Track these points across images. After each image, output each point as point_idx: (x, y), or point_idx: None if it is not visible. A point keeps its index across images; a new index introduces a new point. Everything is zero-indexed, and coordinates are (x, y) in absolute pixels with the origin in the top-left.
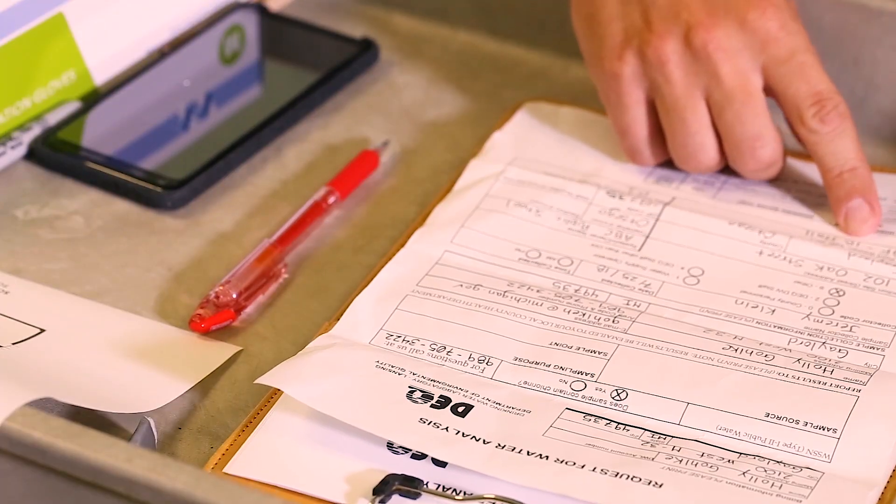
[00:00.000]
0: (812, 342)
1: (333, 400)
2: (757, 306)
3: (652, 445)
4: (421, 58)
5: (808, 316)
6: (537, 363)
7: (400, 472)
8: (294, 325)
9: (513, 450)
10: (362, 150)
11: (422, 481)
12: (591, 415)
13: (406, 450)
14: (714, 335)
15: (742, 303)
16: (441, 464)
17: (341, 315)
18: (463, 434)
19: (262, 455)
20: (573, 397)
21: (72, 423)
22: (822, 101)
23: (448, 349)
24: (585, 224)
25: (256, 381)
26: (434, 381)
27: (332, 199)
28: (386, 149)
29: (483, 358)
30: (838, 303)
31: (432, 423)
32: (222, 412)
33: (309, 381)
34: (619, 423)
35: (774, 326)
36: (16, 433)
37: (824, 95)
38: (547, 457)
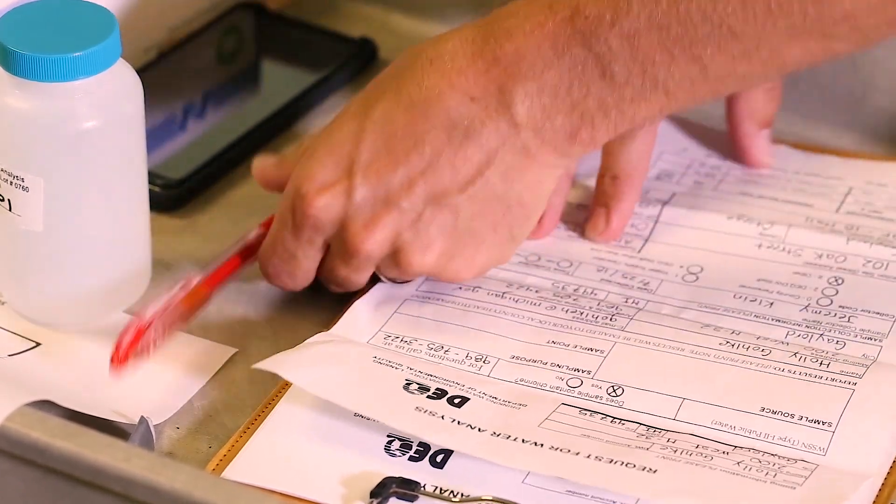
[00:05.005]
0: (810, 334)
1: (331, 386)
2: (755, 300)
3: (647, 437)
4: None
5: (806, 307)
6: (534, 361)
7: (397, 475)
8: (293, 325)
9: (508, 437)
10: None
11: (419, 484)
12: (587, 410)
13: (403, 452)
14: (711, 331)
15: (740, 297)
16: (439, 466)
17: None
18: (459, 422)
19: (259, 459)
20: (569, 394)
21: (70, 423)
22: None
23: (446, 349)
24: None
25: (254, 366)
26: (431, 375)
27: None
28: None
29: (480, 356)
30: (837, 292)
31: (428, 412)
32: (220, 412)
33: (307, 367)
34: (614, 418)
35: (772, 319)
36: (14, 433)
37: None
38: (542, 444)
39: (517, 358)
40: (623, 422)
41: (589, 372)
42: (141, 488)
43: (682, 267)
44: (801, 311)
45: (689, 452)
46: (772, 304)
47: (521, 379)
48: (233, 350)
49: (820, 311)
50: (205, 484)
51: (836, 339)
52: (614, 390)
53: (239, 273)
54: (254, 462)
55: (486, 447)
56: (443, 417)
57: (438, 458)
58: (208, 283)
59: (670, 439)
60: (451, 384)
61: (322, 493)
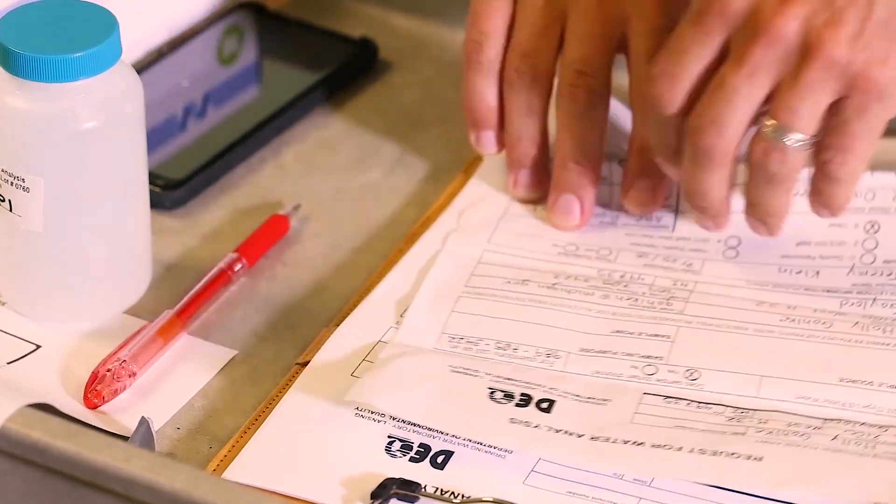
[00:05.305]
0: (863, 301)
1: (423, 410)
2: (801, 271)
3: (738, 420)
4: (419, 58)
5: (851, 269)
6: (604, 352)
7: (398, 476)
8: (293, 325)
9: (607, 440)
10: (271, 215)
11: (420, 485)
12: (671, 397)
13: (404, 453)
14: (767, 307)
15: (785, 270)
16: (439, 467)
17: (342, 318)
18: (555, 430)
19: (260, 460)
20: (648, 382)
21: (70, 423)
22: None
23: (513, 346)
24: (615, 214)
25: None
26: (510, 379)
27: (238, 267)
28: (296, 213)
29: (550, 352)
30: (876, 244)
31: (523, 423)
32: (221, 412)
33: (395, 393)
34: (699, 403)
35: (823, 290)
36: (14, 433)
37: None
38: (643, 443)
39: (586, 350)
40: (709, 405)
41: (661, 358)
42: (141, 488)
43: (719, 242)
44: (847, 274)
45: (784, 433)
46: (818, 272)
47: (597, 371)
48: (233, 352)
49: (866, 272)
50: (205, 484)
51: (890, 303)
52: (691, 374)
53: (213, 301)
54: (254, 462)
55: (591, 455)
56: (538, 427)
57: (439, 459)
58: (182, 314)
59: (761, 419)
60: (533, 387)
61: (323, 493)
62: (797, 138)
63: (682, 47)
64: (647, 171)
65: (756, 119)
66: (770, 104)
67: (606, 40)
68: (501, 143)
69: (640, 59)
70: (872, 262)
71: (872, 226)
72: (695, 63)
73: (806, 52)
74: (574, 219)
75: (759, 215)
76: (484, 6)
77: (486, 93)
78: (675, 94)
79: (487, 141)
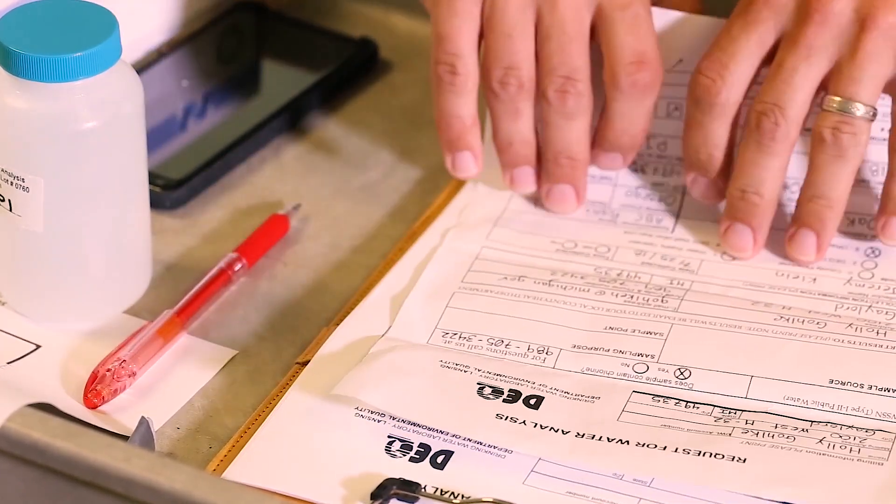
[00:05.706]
0: (858, 307)
1: (408, 403)
2: (798, 276)
3: (725, 421)
4: (419, 58)
5: (849, 281)
6: (596, 349)
7: (398, 476)
8: (293, 325)
9: (592, 437)
10: (271, 215)
11: (420, 485)
12: (659, 396)
13: (404, 453)
14: (762, 307)
15: (782, 275)
16: (439, 467)
17: (342, 318)
18: (541, 427)
19: (260, 460)
20: (637, 380)
21: (70, 423)
22: (643, 62)
23: (506, 342)
24: (615, 212)
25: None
26: (500, 375)
27: (238, 267)
28: (296, 213)
29: (542, 348)
30: (876, 265)
31: (509, 419)
32: (221, 412)
33: (381, 387)
34: (687, 402)
35: (819, 294)
36: (14, 433)
37: (647, 57)
38: (627, 441)
39: (578, 347)
40: (697, 405)
41: (652, 356)
42: (141, 488)
43: (718, 245)
44: (844, 284)
45: (771, 434)
46: (815, 279)
47: (588, 368)
48: (233, 352)
49: (863, 285)
50: (205, 484)
51: (885, 311)
52: (681, 372)
53: (213, 300)
54: (254, 462)
55: (576, 453)
56: (524, 423)
57: (439, 460)
58: (182, 314)
59: (748, 420)
60: (523, 383)
61: (322, 494)
62: (864, 108)
63: (731, 36)
64: (614, 146)
65: (813, 107)
66: (830, 84)
67: (583, 36)
68: (479, 163)
69: (619, 41)
70: (871, 278)
71: (874, 251)
72: (743, 51)
73: (861, 25)
74: (571, 206)
75: (819, 210)
76: (448, 28)
77: (462, 113)
78: (724, 82)
79: (464, 163)
